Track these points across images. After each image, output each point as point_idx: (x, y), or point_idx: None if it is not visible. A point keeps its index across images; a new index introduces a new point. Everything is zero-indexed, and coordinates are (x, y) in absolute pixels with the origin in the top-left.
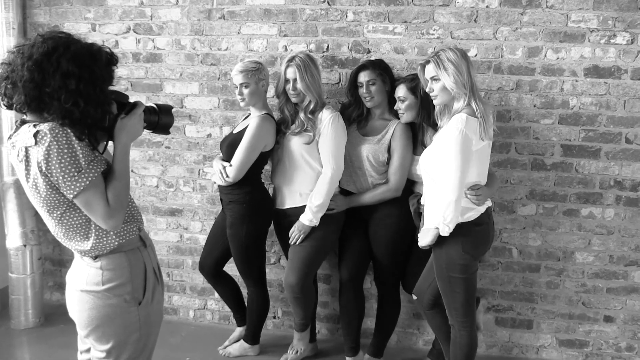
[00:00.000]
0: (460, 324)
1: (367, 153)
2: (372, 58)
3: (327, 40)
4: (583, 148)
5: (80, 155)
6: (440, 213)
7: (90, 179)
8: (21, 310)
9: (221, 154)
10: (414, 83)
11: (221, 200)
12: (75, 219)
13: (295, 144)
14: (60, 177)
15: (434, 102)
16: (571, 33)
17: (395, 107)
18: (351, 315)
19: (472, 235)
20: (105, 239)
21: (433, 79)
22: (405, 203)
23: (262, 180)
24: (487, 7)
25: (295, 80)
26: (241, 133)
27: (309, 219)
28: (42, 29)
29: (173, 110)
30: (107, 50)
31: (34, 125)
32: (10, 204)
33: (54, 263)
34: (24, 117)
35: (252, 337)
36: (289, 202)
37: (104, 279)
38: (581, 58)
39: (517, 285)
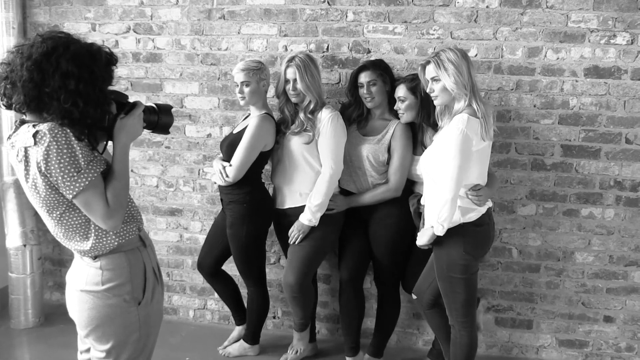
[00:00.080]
0: (460, 324)
1: (367, 153)
2: (372, 58)
3: (327, 40)
4: (583, 148)
5: (80, 156)
6: (436, 212)
7: (89, 179)
8: (21, 310)
9: (221, 154)
10: (414, 83)
11: (221, 200)
12: (74, 219)
13: (295, 143)
14: (60, 177)
15: (435, 102)
16: (571, 33)
17: (395, 107)
18: (351, 315)
19: (472, 236)
20: (104, 239)
21: (433, 79)
22: (405, 203)
23: (262, 180)
24: (487, 7)
25: (295, 80)
26: (241, 133)
27: (308, 218)
28: (42, 29)
29: (173, 110)
30: (107, 50)
31: (34, 126)
32: (10, 203)
33: (53, 263)
34: (24, 117)
35: (252, 337)
36: (289, 202)
37: (103, 279)
38: (581, 58)
39: (517, 286)
